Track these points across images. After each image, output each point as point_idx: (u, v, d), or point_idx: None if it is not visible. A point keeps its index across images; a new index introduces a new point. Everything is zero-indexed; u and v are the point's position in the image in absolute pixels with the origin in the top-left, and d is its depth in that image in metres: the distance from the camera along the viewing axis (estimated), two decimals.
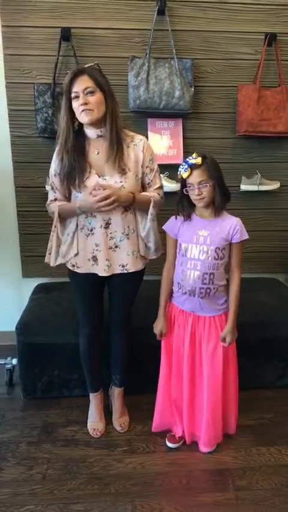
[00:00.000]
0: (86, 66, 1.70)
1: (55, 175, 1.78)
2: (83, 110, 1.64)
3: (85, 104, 1.63)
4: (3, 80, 2.41)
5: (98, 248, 1.77)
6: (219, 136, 2.59)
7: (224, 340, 1.77)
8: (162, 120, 2.52)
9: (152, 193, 1.81)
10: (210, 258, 1.71)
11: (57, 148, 1.75)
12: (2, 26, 2.34)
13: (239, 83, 2.47)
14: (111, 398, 2.14)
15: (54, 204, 1.81)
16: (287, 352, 2.31)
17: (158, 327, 1.86)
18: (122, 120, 1.76)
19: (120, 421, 2.07)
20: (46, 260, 1.86)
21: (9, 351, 2.43)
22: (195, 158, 1.65)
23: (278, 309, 2.38)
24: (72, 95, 1.65)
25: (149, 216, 1.78)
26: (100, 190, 1.65)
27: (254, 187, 2.61)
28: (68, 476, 1.79)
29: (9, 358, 2.40)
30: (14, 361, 2.36)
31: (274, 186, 2.63)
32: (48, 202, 1.85)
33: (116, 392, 2.10)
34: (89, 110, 1.64)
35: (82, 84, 1.63)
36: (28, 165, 2.52)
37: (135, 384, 2.13)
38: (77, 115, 1.67)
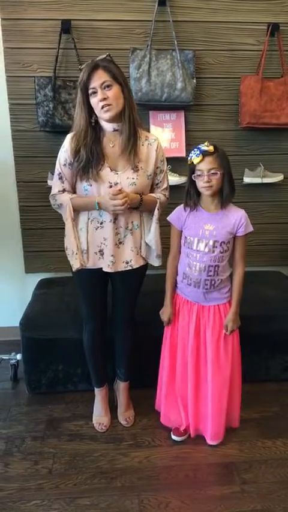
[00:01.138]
0: (99, 59, 1.65)
1: (65, 165, 1.74)
2: (103, 107, 1.62)
3: (104, 99, 1.61)
4: (3, 74, 2.39)
5: (105, 242, 1.76)
6: (221, 129, 2.57)
7: (226, 328, 1.79)
8: (164, 113, 2.50)
9: (158, 195, 1.82)
10: (215, 252, 1.72)
11: (69, 138, 1.72)
12: (2, 19, 2.32)
13: (242, 74, 2.44)
14: (116, 392, 2.14)
15: (64, 197, 1.76)
16: None
17: (166, 313, 1.87)
18: (138, 115, 1.74)
19: (125, 415, 2.07)
20: (76, 267, 1.75)
21: (14, 346, 2.44)
22: (207, 146, 1.65)
23: (282, 302, 2.37)
24: (90, 90, 1.63)
25: (154, 219, 1.78)
26: (118, 193, 1.64)
27: (257, 180, 2.59)
28: (74, 471, 1.79)
29: (13, 354, 2.40)
30: (19, 357, 2.36)
31: (277, 178, 2.62)
32: (54, 192, 1.78)
33: (121, 387, 2.10)
34: (109, 105, 1.61)
35: (99, 79, 1.60)
36: (29, 160, 2.51)
37: (140, 377, 2.12)
38: (97, 111, 1.66)
